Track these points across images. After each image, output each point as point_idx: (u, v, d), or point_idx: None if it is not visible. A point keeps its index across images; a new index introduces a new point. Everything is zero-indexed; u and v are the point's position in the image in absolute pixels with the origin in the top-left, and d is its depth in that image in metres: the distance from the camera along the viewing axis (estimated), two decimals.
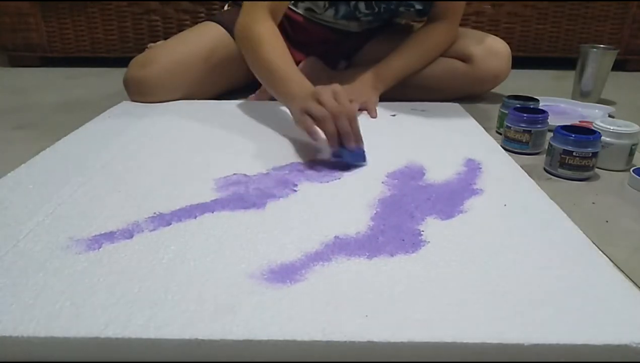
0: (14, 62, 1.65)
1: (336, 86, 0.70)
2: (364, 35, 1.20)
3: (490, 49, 1.12)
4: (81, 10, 1.57)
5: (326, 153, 0.72)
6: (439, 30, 1.08)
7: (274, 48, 0.83)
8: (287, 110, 0.97)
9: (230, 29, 1.13)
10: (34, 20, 1.58)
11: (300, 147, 0.76)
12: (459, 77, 1.12)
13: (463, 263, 0.46)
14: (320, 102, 0.68)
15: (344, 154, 0.68)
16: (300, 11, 1.15)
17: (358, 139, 0.68)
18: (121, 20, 1.56)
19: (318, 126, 0.68)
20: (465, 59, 1.12)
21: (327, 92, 0.69)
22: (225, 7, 1.24)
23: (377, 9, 1.11)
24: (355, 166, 0.69)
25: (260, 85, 1.12)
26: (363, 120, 0.93)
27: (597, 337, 0.37)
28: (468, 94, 1.14)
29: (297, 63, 1.14)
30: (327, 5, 1.11)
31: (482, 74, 1.12)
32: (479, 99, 1.18)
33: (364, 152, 0.69)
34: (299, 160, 0.71)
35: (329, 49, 1.19)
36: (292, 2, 1.14)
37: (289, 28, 1.17)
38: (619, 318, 0.39)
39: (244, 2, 0.90)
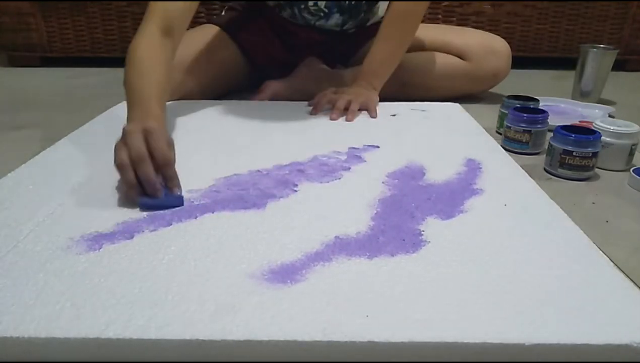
0: (14, 62, 1.65)
1: (146, 126, 0.60)
2: (358, 39, 1.19)
3: (490, 48, 1.12)
4: (81, 10, 1.57)
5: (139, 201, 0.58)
6: (405, 4, 1.01)
7: (141, 69, 0.74)
8: (286, 112, 0.98)
9: (229, 31, 1.13)
10: (34, 20, 1.58)
11: (301, 147, 0.76)
12: (459, 75, 1.12)
13: (463, 263, 0.46)
14: (124, 144, 0.58)
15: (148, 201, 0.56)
16: (284, 15, 1.15)
17: (153, 186, 0.56)
18: (121, 20, 1.56)
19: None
20: (464, 56, 1.12)
21: (133, 133, 0.59)
22: (223, 12, 1.25)
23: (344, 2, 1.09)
24: (357, 165, 0.69)
25: (260, 85, 1.13)
26: (364, 120, 0.93)
27: (598, 336, 0.37)
28: (468, 92, 1.14)
29: (295, 65, 1.14)
30: (281, 5, 1.10)
31: (481, 72, 1.12)
32: (479, 99, 1.18)
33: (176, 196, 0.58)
34: (299, 160, 0.71)
35: (324, 53, 1.19)
36: (277, 6, 1.13)
37: (281, 33, 1.17)
38: (619, 318, 0.39)
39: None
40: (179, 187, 0.59)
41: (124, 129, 0.60)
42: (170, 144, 0.63)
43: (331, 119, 0.91)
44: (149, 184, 0.56)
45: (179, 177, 0.61)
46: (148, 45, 0.78)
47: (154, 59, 0.76)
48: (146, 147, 0.57)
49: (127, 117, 0.67)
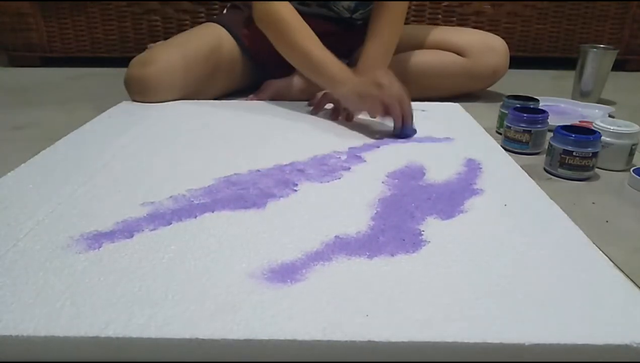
0: (14, 62, 1.65)
1: (388, 74, 0.81)
2: (362, 33, 1.20)
3: (488, 45, 1.13)
4: (81, 10, 1.57)
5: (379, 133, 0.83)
6: None
7: (301, 31, 0.87)
8: (286, 111, 0.97)
9: (230, 30, 1.13)
10: (34, 20, 1.58)
11: (301, 147, 0.76)
12: (458, 72, 1.12)
13: (463, 263, 0.46)
14: (381, 88, 0.79)
15: (403, 131, 0.83)
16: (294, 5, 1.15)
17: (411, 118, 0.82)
18: (121, 20, 1.56)
19: (383, 110, 0.81)
20: (462, 53, 1.12)
21: (386, 79, 0.80)
22: (225, 11, 1.25)
23: None
24: (360, 162, 0.69)
25: (259, 85, 1.13)
26: (363, 120, 0.93)
27: (598, 337, 0.37)
28: (467, 90, 1.14)
29: None
30: None
31: (480, 69, 1.13)
32: (478, 99, 1.18)
33: (414, 128, 0.84)
34: (299, 159, 0.71)
35: (328, 47, 1.19)
36: None
37: None
38: (619, 318, 0.39)
39: None
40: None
41: (377, 80, 0.81)
42: None
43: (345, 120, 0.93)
44: (410, 115, 0.82)
45: (179, 176, 0.62)
46: (288, 10, 0.90)
47: (304, 23, 0.90)
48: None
49: (319, 74, 0.88)
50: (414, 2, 1.56)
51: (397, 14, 1.03)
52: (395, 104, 0.80)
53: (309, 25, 1.15)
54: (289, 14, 0.88)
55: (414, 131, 0.84)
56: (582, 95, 1.20)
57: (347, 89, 0.84)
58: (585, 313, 0.39)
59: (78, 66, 1.62)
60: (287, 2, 0.89)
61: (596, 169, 0.76)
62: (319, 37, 1.18)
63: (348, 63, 1.22)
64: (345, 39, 1.20)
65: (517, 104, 0.93)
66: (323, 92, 0.99)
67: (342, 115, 0.93)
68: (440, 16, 1.59)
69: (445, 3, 1.57)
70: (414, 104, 1.02)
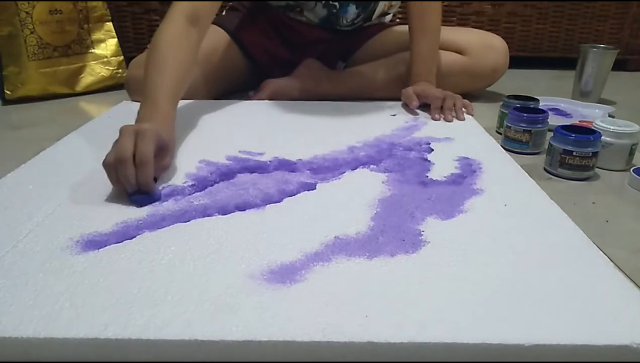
0: None
1: (140, 127, 0.61)
2: (358, 36, 1.20)
3: (487, 44, 1.13)
4: None
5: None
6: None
7: (160, 64, 0.74)
8: (286, 111, 0.98)
9: (230, 31, 1.13)
10: None
11: (301, 147, 0.76)
12: (458, 71, 1.12)
13: (463, 263, 0.46)
14: (116, 144, 0.60)
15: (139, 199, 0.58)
16: (292, 15, 1.15)
17: (145, 186, 0.58)
18: (121, 20, 1.56)
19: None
20: (462, 52, 1.13)
21: (126, 134, 0.60)
22: (224, 12, 1.25)
23: None
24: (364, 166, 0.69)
25: (259, 85, 1.13)
26: (363, 119, 0.93)
27: (598, 337, 0.37)
28: (467, 90, 1.14)
29: (296, 64, 1.14)
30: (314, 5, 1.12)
31: (480, 67, 1.13)
32: (478, 99, 1.18)
33: (152, 194, 0.59)
34: (299, 159, 0.71)
35: (326, 50, 1.19)
36: (282, 6, 1.14)
37: (284, 31, 1.18)
38: (619, 318, 0.39)
39: (171, 5, 0.82)
40: (152, 188, 0.59)
41: (120, 129, 0.61)
42: (163, 146, 0.63)
43: (446, 120, 0.93)
44: (126, 185, 0.58)
45: (179, 176, 0.62)
46: (172, 35, 0.77)
47: (177, 50, 0.76)
48: (133, 148, 0.58)
49: (138, 112, 0.69)
50: (409, 2, 1.56)
51: (436, 9, 1.05)
52: (108, 166, 0.58)
53: (306, 33, 1.15)
54: (165, 37, 0.76)
55: (152, 198, 0.58)
56: (582, 95, 1.20)
57: (125, 127, 0.62)
58: (585, 313, 0.39)
59: None
60: (177, 28, 0.78)
61: (596, 169, 0.76)
62: (316, 44, 1.18)
63: (345, 67, 1.22)
64: (342, 44, 1.20)
65: (517, 103, 0.93)
66: (410, 91, 0.99)
67: (432, 114, 0.94)
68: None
69: (445, 3, 1.57)
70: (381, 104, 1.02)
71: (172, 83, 0.73)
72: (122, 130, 0.61)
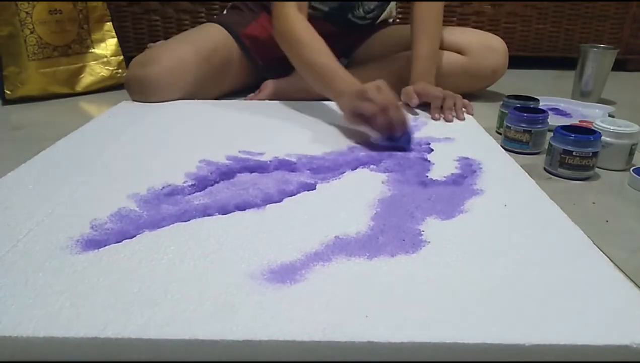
0: None
1: (379, 82, 0.77)
2: (361, 33, 1.20)
3: (487, 44, 1.14)
4: None
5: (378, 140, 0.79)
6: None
7: (314, 48, 0.88)
8: (286, 111, 0.98)
9: (231, 30, 1.13)
10: None
11: (301, 147, 0.76)
12: (458, 72, 1.12)
13: (463, 263, 0.46)
14: (368, 100, 0.75)
15: (395, 141, 0.76)
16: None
17: (405, 125, 0.75)
18: (121, 20, 1.56)
19: (369, 122, 0.76)
20: (462, 52, 1.13)
21: (372, 89, 0.75)
22: (225, 11, 1.25)
23: None
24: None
25: (259, 85, 1.13)
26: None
27: (597, 337, 0.37)
28: (467, 90, 1.14)
29: None
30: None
31: (480, 68, 1.13)
32: (478, 99, 1.18)
33: (410, 137, 0.76)
34: (299, 159, 0.71)
35: (330, 46, 1.19)
36: None
37: None
38: (619, 318, 0.39)
39: (275, 6, 0.93)
40: (409, 127, 0.75)
41: (362, 89, 0.76)
42: None
43: (446, 120, 0.94)
44: (403, 123, 0.75)
45: (179, 176, 0.63)
46: (301, 26, 0.91)
47: (315, 37, 0.89)
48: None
49: (326, 89, 0.86)
50: (411, 2, 1.56)
51: (438, 10, 1.07)
52: (377, 114, 0.74)
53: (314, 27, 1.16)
54: (303, 32, 0.89)
55: (408, 142, 0.76)
56: (582, 95, 1.20)
57: (342, 102, 0.82)
58: (585, 313, 0.39)
59: None
60: (303, 22, 0.91)
61: (596, 169, 0.76)
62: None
63: (348, 62, 1.22)
64: (346, 39, 1.20)
65: (517, 103, 0.93)
66: (408, 90, 1.00)
67: (432, 114, 0.95)
68: None
69: (445, 3, 1.57)
70: None
71: (336, 61, 0.87)
72: (365, 89, 0.76)
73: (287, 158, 0.71)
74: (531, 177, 0.67)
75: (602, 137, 0.75)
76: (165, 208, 0.56)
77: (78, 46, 1.28)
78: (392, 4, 1.21)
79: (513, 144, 0.85)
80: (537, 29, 1.62)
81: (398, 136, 0.75)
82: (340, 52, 1.23)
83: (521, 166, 0.71)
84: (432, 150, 0.77)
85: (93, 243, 0.49)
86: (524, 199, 0.60)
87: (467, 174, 0.67)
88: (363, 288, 0.42)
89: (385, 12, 1.20)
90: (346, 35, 1.20)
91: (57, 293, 0.41)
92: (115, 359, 0.36)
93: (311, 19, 1.15)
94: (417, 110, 0.98)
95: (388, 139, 0.76)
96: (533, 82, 1.47)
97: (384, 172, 0.68)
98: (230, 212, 0.56)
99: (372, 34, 1.21)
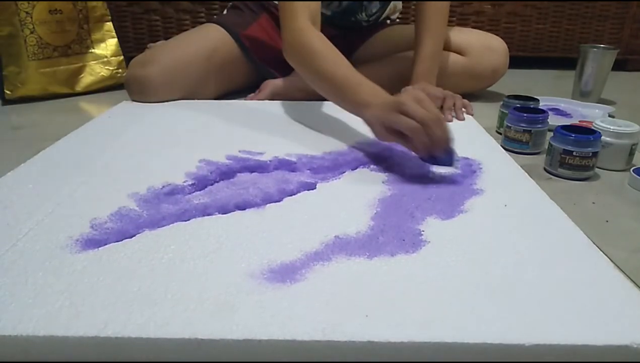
0: None
1: (418, 93, 0.66)
2: (361, 33, 1.20)
3: (488, 45, 1.14)
4: None
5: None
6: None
7: (330, 58, 0.80)
8: (286, 111, 0.97)
9: (231, 30, 1.13)
10: None
11: (301, 146, 0.76)
12: (458, 72, 1.12)
13: (463, 263, 0.46)
14: (405, 114, 0.63)
15: (437, 160, 0.65)
16: None
17: (447, 144, 0.64)
18: (121, 20, 1.56)
19: (406, 139, 0.64)
20: (463, 52, 1.13)
21: (410, 101, 0.64)
22: (225, 11, 1.25)
23: None
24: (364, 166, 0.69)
25: (259, 85, 1.13)
26: (361, 121, 0.93)
27: (598, 337, 0.37)
28: (467, 90, 1.14)
29: None
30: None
31: (480, 68, 1.13)
32: (478, 99, 1.18)
33: (453, 155, 0.65)
34: (299, 159, 0.71)
35: None
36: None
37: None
38: (619, 318, 0.39)
39: (283, 16, 0.86)
40: (453, 146, 0.64)
41: (399, 101, 0.64)
42: None
43: (446, 120, 0.91)
44: (442, 142, 0.63)
45: (179, 176, 0.62)
46: (316, 38, 0.83)
47: (332, 48, 0.82)
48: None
49: (347, 100, 0.76)
50: (415, 2, 1.56)
51: (443, 10, 1.05)
52: (419, 132, 0.63)
53: None
54: (315, 42, 0.82)
55: (450, 160, 0.65)
56: (582, 95, 1.20)
57: (370, 115, 0.70)
58: (585, 313, 0.39)
59: None
60: (314, 31, 0.84)
61: (596, 169, 0.76)
62: None
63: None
64: (347, 40, 1.20)
65: (517, 103, 0.93)
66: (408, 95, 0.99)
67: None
68: None
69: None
70: None
71: (352, 67, 0.79)
72: (403, 101, 0.64)
73: (287, 158, 0.71)
74: (531, 177, 0.67)
75: (602, 137, 0.75)
76: (165, 207, 0.56)
77: (78, 46, 1.28)
78: (390, 6, 1.21)
79: (513, 144, 0.85)
80: (537, 29, 1.62)
81: (439, 155, 0.64)
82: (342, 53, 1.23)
83: (521, 166, 0.71)
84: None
85: (93, 242, 0.49)
86: (524, 199, 0.60)
87: (467, 173, 0.67)
88: (363, 288, 0.42)
89: (387, 10, 1.20)
90: (347, 36, 1.20)
91: (57, 293, 0.41)
92: (115, 358, 0.36)
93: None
94: None
95: (428, 158, 0.65)
96: (533, 82, 1.47)
97: (384, 172, 0.68)
98: (230, 212, 0.56)
99: (373, 34, 1.21)
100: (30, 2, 1.19)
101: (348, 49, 1.22)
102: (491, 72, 1.14)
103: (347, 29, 1.19)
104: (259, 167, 0.68)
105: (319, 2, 0.87)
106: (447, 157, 0.64)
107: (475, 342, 0.36)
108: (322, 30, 1.15)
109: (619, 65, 1.41)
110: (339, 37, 1.19)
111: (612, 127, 0.78)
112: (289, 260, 0.46)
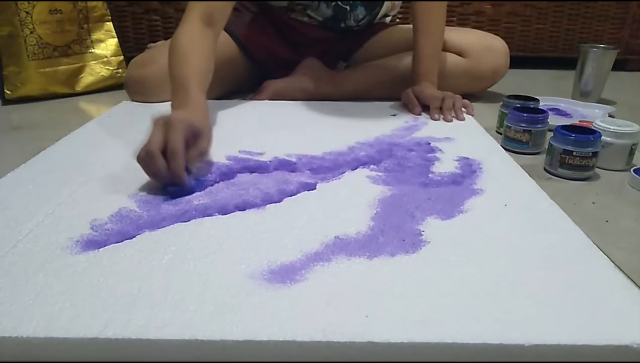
0: None
1: (170, 118, 0.61)
2: (359, 35, 1.20)
3: (488, 45, 1.14)
4: None
5: None
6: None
7: (183, 57, 0.78)
8: (286, 112, 0.97)
9: (230, 31, 1.13)
10: None
11: (300, 147, 0.76)
12: (459, 73, 1.12)
13: (463, 263, 0.46)
14: (150, 136, 0.60)
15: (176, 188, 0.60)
16: (294, 15, 1.15)
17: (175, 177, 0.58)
18: (121, 20, 1.56)
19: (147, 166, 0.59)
20: (463, 53, 1.13)
21: (160, 127, 0.60)
22: None
23: None
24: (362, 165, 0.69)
25: (259, 85, 1.13)
26: (363, 120, 0.93)
27: (598, 337, 0.37)
28: (468, 91, 1.14)
29: (297, 64, 1.14)
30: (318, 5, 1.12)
31: (480, 69, 1.13)
32: (478, 99, 1.18)
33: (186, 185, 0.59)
34: (299, 159, 0.71)
35: (327, 50, 1.20)
36: (285, 6, 1.14)
37: (285, 31, 1.18)
38: (619, 318, 0.39)
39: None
40: (182, 180, 0.59)
41: (168, 121, 0.61)
42: (196, 133, 0.63)
43: (446, 121, 0.92)
44: (157, 178, 0.59)
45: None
46: (189, 36, 0.82)
47: (195, 48, 0.80)
48: (163, 141, 0.59)
49: (171, 104, 0.73)
50: (412, 2, 1.56)
51: (440, 9, 1.05)
52: (141, 161, 0.59)
53: (308, 33, 1.16)
54: (184, 40, 0.80)
55: (191, 189, 0.60)
56: (582, 95, 1.20)
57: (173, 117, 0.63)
58: (586, 313, 0.39)
59: None
60: (194, 31, 0.81)
61: (596, 169, 0.76)
62: (317, 44, 1.18)
63: (346, 66, 1.22)
64: (343, 44, 1.20)
65: (517, 103, 0.93)
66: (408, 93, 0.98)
67: (431, 114, 0.94)
68: None
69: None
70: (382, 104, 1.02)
71: (198, 73, 0.77)
72: (153, 123, 0.61)
73: (287, 158, 0.71)
74: (531, 177, 0.67)
75: (602, 137, 0.75)
76: (165, 208, 0.56)
77: (78, 46, 1.28)
78: (385, 5, 1.20)
79: (513, 144, 0.85)
80: (537, 29, 1.62)
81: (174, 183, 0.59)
82: (339, 56, 1.23)
83: (521, 166, 0.71)
84: (432, 150, 0.77)
85: (93, 243, 0.49)
86: (524, 199, 0.60)
87: (467, 174, 0.67)
88: (363, 288, 0.42)
89: (383, 10, 1.19)
90: (344, 39, 1.20)
91: (57, 294, 0.41)
92: (115, 359, 0.36)
93: (310, 26, 1.16)
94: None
95: (171, 186, 0.59)
96: (533, 82, 1.47)
97: (384, 172, 0.68)
98: (230, 212, 0.56)
99: (370, 36, 1.20)
100: (30, 2, 1.19)
101: (346, 52, 1.22)
102: (492, 73, 1.14)
103: (342, 33, 1.19)
104: (259, 168, 0.68)
105: (219, 3, 0.86)
106: (187, 186, 0.59)
107: (475, 342, 0.36)
108: (319, 33, 1.16)
109: (619, 65, 1.41)
110: (335, 40, 1.19)
111: (612, 127, 0.78)
112: (289, 261, 0.46)
